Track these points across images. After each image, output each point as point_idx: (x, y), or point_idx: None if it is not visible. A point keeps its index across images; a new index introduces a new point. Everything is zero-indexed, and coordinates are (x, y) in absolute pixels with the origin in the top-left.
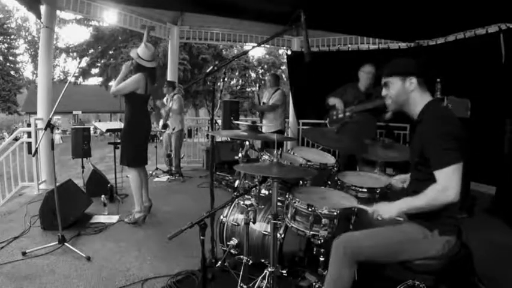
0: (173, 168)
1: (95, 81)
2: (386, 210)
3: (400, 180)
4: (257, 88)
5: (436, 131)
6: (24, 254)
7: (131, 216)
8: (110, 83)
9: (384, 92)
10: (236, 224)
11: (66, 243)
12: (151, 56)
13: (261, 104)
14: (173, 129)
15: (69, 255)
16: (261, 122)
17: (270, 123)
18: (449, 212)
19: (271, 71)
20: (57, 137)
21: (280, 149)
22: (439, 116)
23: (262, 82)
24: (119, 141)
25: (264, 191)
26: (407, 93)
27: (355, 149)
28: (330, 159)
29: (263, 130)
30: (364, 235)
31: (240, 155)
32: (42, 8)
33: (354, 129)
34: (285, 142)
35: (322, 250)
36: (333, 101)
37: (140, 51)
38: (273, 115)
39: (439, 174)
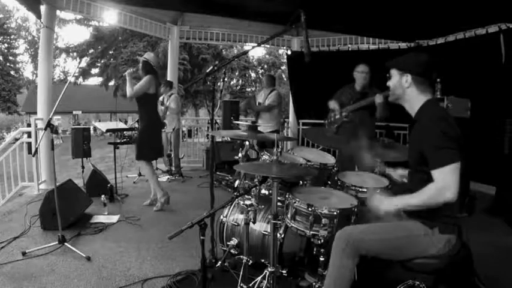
0: (173, 168)
1: (95, 81)
2: (385, 203)
3: (400, 175)
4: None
5: (433, 131)
6: (24, 254)
7: (158, 204)
8: (110, 83)
9: (387, 82)
10: (236, 224)
11: (66, 243)
12: (158, 64)
13: (257, 104)
14: (173, 128)
15: (69, 255)
16: (256, 122)
17: (267, 123)
18: (449, 210)
19: (271, 71)
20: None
21: (280, 148)
22: (435, 116)
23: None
24: (119, 141)
25: (264, 191)
26: (403, 89)
27: (354, 149)
28: (330, 159)
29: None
30: (367, 229)
31: (240, 155)
32: (42, 8)
33: (351, 128)
34: (278, 142)
35: (322, 250)
36: (330, 103)
37: (149, 57)
38: (269, 115)
39: (436, 173)
